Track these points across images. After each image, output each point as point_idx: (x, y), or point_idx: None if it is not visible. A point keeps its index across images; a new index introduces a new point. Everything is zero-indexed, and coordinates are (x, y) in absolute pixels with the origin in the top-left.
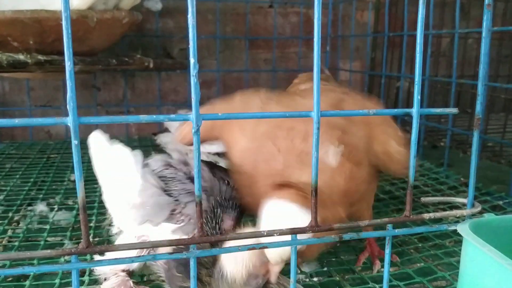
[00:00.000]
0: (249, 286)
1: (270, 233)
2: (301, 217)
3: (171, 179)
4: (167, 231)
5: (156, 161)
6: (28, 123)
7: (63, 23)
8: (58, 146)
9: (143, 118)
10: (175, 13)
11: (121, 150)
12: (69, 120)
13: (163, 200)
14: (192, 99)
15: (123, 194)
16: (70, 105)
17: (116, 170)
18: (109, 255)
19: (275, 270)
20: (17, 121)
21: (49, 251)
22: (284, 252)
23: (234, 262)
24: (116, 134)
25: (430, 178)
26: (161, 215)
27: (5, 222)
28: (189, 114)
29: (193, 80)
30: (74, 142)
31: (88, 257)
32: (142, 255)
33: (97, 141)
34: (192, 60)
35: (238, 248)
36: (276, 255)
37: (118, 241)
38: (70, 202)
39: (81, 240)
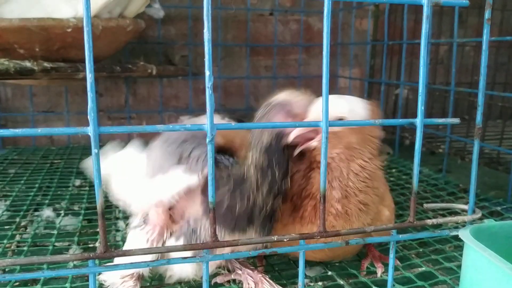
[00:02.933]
0: (278, 112)
1: (280, 239)
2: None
3: (174, 141)
4: (177, 174)
5: (156, 141)
6: (50, 132)
7: (85, 37)
8: (61, 151)
9: (160, 128)
10: (176, 20)
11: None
12: (90, 130)
13: (169, 151)
14: (207, 110)
15: (132, 172)
16: (91, 115)
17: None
18: (120, 260)
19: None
20: (40, 131)
21: (67, 255)
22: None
23: (287, 93)
24: (117, 137)
25: (429, 184)
26: (169, 162)
27: (12, 227)
28: (204, 125)
29: (208, 91)
30: (94, 151)
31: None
32: (157, 260)
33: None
34: (207, 73)
35: (249, 253)
36: (316, 114)
37: (130, 237)
38: (76, 207)
39: (89, 245)
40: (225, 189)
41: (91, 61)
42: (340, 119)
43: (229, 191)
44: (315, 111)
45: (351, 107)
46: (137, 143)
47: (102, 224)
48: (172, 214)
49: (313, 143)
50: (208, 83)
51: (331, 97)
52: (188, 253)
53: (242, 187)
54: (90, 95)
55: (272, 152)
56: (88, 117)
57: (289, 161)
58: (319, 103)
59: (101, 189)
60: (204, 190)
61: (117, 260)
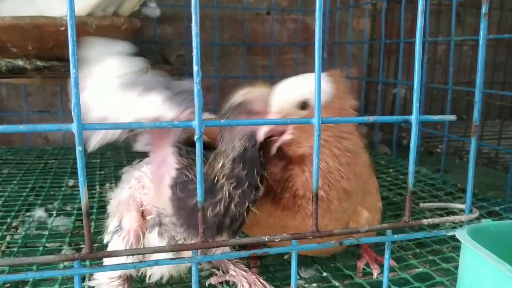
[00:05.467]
0: (242, 114)
1: (271, 239)
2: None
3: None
4: (155, 100)
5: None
6: (32, 129)
7: (69, 30)
8: (55, 151)
9: (147, 125)
10: (173, 19)
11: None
12: (74, 127)
13: (159, 77)
14: (196, 106)
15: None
16: (75, 111)
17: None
18: (108, 261)
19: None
20: (21, 127)
21: (51, 256)
22: (289, 99)
23: (241, 92)
24: None
25: (427, 184)
26: (156, 86)
27: (3, 228)
28: (192, 121)
29: (196, 87)
30: (79, 148)
31: (87, 262)
32: (144, 261)
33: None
34: (195, 68)
35: (239, 254)
36: (277, 102)
37: (108, 243)
38: (68, 208)
39: (81, 246)
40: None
41: (75, 55)
42: (304, 102)
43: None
44: (276, 101)
45: (311, 85)
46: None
47: (87, 224)
48: (144, 212)
49: (286, 137)
50: (196, 79)
51: (286, 81)
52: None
53: (213, 195)
54: (74, 90)
55: (248, 159)
56: (72, 113)
57: (263, 162)
58: (277, 91)
59: (85, 187)
60: (173, 185)
61: (107, 261)
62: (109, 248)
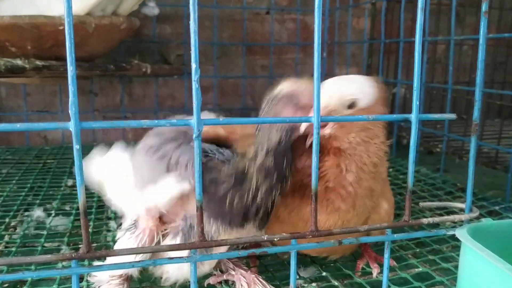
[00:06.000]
0: (285, 105)
1: (270, 238)
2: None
3: (160, 144)
4: (168, 183)
5: (142, 143)
6: (29, 127)
7: (66, 28)
8: (54, 151)
9: (145, 123)
10: (172, 19)
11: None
12: (71, 125)
13: (155, 160)
14: (194, 104)
15: (120, 177)
16: (72, 110)
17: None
18: (108, 260)
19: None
20: (18, 126)
21: (48, 256)
22: (339, 96)
23: (289, 83)
24: (112, 139)
25: (427, 183)
26: (158, 170)
27: (1, 227)
28: (191, 120)
29: (194, 85)
30: (76, 147)
31: (86, 262)
32: (142, 260)
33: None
34: (193, 65)
35: (238, 253)
36: (324, 99)
37: (119, 239)
38: (67, 207)
39: (79, 246)
40: (225, 186)
41: (73, 53)
42: (353, 102)
43: (229, 188)
44: (324, 96)
45: (361, 87)
46: (121, 146)
47: (85, 223)
48: (162, 217)
49: (326, 131)
50: (195, 77)
51: (336, 79)
52: (184, 253)
53: (242, 185)
54: (71, 88)
55: (280, 152)
56: (69, 111)
57: (293, 157)
58: (326, 87)
59: (83, 186)
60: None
61: (110, 260)
62: (118, 245)
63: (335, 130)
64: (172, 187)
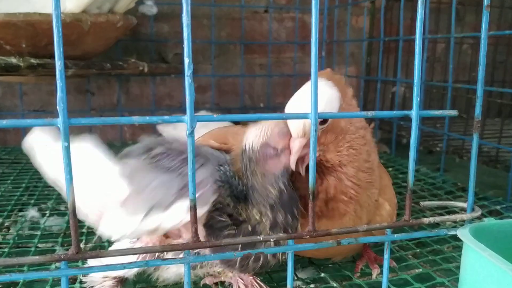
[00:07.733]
0: (266, 160)
1: (266, 239)
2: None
3: (163, 155)
4: (182, 211)
5: (136, 147)
6: (18, 124)
7: (54, 21)
8: None
9: (136, 119)
10: (170, 17)
11: (82, 147)
12: (59, 122)
13: (163, 177)
14: (187, 100)
15: (102, 195)
16: (60, 105)
17: (84, 171)
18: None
19: (295, 146)
20: (5, 122)
21: (37, 257)
22: (307, 124)
23: (254, 132)
24: (110, 139)
25: (427, 183)
26: (169, 193)
27: None
28: (184, 116)
29: (187, 80)
30: (64, 144)
31: (80, 263)
32: (135, 261)
33: (41, 140)
34: (186, 60)
35: (233, 254)
36: (297, 126)
37: (115, 243)
38: (62, 207)
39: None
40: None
41: (61, 47)
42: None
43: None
44: (296, 125)
45: (327, 98)
46: (92, 140)
47: (74, 223)
48: (167, 233)
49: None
50: (188, 71)
51: (298, 99)
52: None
53: (253, 245)
54: (59, 83)
55: (285, 200)
56: (57, 107)
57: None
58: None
59: (71, 185)
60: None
61: (105, 261)
62: (113, 247)
63: (322, 149)
64: (186, 216)
